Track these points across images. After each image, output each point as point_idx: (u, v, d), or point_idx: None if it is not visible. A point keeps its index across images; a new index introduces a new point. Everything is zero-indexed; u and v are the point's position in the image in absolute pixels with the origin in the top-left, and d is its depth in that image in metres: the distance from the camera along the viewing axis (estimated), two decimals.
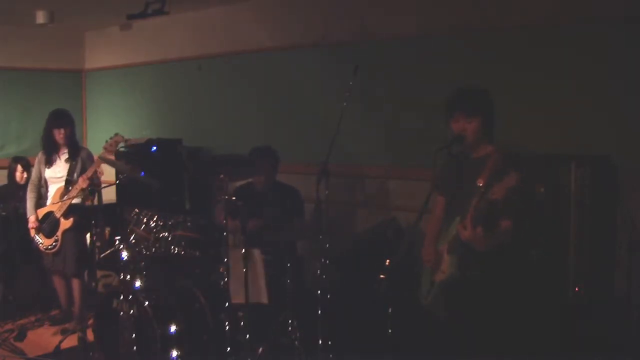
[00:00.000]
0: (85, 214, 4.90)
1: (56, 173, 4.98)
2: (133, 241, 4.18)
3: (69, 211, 4.86)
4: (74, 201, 4.85)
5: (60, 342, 4.63)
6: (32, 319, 5.24)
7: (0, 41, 6.87)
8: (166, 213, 4.25)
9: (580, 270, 3.44)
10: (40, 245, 4.97)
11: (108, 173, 5.21)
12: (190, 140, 6.10)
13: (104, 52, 7.36)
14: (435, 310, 3.25)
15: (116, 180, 5.71)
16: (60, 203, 4.85)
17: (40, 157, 5.07)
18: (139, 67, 6.91)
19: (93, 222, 4.28)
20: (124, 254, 4.10)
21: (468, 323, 3.10)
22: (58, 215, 4.87)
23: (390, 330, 3.70)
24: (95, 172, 4.79)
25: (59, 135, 4.95)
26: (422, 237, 3.61)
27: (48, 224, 4.93)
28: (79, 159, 4.99)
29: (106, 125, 7.37)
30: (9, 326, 5.05)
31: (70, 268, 4.95)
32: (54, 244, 4.91)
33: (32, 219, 4.99)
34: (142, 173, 4.55)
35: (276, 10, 5.57)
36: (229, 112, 6.03)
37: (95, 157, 4.85)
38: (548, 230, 3.47)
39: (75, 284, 5.06)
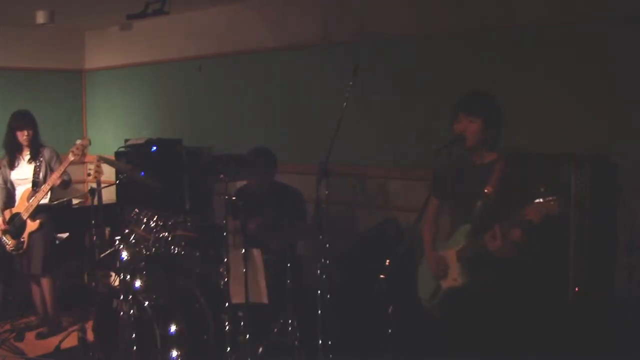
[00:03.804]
0: (54, 213, 4.91)
1: (21, 175, 4.94)
2: (133, 241, 4.17)
3: (36, 212, 4.82)
4: (42, 202, 4.81)
5: (60, 342, 4.63)
6: (32, 318, 5.23)
7: (0, 41, 6.87)
8: (166, 213, 4.25)
9: (580, 270, 3.44)
10: (7, 246, 4.90)
11: (108, 173, 5.21)
12: (190, 140, 6.11)
13: (104, 52, 7.36)
14: (441, 315, 3.26)
15: (116, 180, 5.72)
16: (27, 204, 4.80)
17: (3, 159, 5.03)
18: (139, 67, 6.91)
19: (93, 222, 4.28)
20: (124, 255, 4.09)
21: (474, 326, 3.10)
22: (25, 216, 4.82)
23: (390, 330, 3.69)
24: (65, 170, 4.75)
25: (23, 137, 4.89)
26: (422, 237, 3.60)
27: (14, 225, 4.87)
28: (42, 159, 4.93)
29: (106, 125, 7.38)
30: (8, 326, 5.04)
31: (37, 268, 4.89)
32: (20, 245, 4.87)
33: None
34: (142, 173, 4.55)
35: (276, 10, 5.57)
36: (228, 112, 6.03)
37: (68, 156, 4.73)
38: (548, 230, 3.47)
39: (45, 283, 4.99)
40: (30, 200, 4.80)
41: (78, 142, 4.70)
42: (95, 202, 4.50)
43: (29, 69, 7.12)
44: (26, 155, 4.96)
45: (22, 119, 4.92)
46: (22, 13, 6.05)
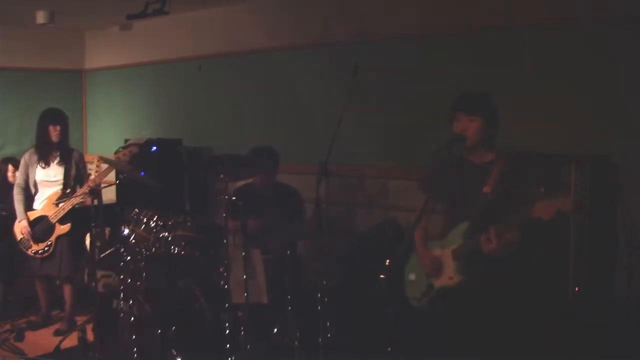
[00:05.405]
0: (82, 217, 4.87)
1: (50, 177, 4.90)
2: (133, 241, 4.17)
3: (66, 216, 4.82)
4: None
5: (60, 342, 4.63)
6: (32, 318, 5.23)
7: (0, 41, 6.87)
8: (166, 213, 4.25)
9: (580, 270, 3.44)
10: (28, 249, 4.87)
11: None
12: (190, 140, 6.10)
13: (104, 52, 7.36)
14: (434, 314, 3.26)
15: (116, 180, 5.72)
16: (57, 208, 4.79)
17: (28, 158, 4.95)
18: (139, 67, 6.91)
19: (93, 222, 4.28)
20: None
21: (471, 325, 3.10)
22: (54, 220, 4.81)
23: (390, 331, 3.70)
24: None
25: (55, 132, 4.85)
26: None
27: (40, 229, 4.84)
28: (73, 162, 4.95)
29: (106, 125, 7.38)
30: (8, 326, 5.03)
31: (67, 270, 4.92)
32: (45, 248, 4.84)
33: (24, 223, 4.84)
34: (142, 173, 4.55)
35: (276, 10, 5.57)
36: (229, 112, 6.03)
37: (103, 164, 4.75)
38: (548, 231, 3.47)
39: (67, 288, 5.05)
40: (62, 204, 4.78)
41: (123, 149, 4.69)
42: (95, 202, 4.50)
43: (29, 69, 7.12)
44: (56, 157, 4.93)
45: (54, 115, 4.94)
46: (22, 13, 6.05)
